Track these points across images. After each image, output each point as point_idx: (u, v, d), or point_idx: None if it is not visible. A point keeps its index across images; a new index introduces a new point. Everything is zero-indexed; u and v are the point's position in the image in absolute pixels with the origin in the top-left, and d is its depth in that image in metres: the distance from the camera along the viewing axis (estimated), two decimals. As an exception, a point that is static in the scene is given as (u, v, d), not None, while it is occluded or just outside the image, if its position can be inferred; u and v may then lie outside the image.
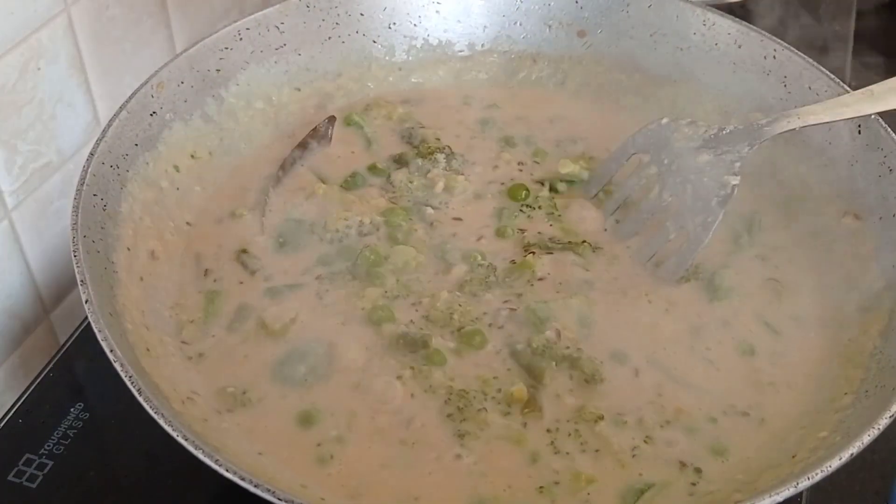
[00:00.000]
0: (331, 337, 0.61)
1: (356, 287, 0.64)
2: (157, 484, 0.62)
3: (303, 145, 0.74)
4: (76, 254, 0.56)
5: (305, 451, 0.56)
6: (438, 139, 0.75)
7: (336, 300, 0.64)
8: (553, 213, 0.70)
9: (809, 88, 0.70)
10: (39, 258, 0.76)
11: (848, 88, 0.68)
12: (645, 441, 0.57)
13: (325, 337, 0.61)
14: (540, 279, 0.65)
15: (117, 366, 0.50)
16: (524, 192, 0.71)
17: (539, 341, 0.61)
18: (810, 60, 0.71)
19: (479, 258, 0.66)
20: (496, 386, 0.59)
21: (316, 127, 0.75)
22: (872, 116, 0.65)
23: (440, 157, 0.73)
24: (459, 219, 0.70)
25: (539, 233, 0.68)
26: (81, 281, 0.54)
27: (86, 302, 0.53)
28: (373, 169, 0.73)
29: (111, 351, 0.51)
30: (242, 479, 0.46)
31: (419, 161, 0.73)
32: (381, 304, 0.63)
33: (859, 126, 0.66)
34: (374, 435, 0.57)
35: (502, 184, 0.72)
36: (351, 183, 0.72)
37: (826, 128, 0.68)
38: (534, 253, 0.66)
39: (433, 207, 0.70)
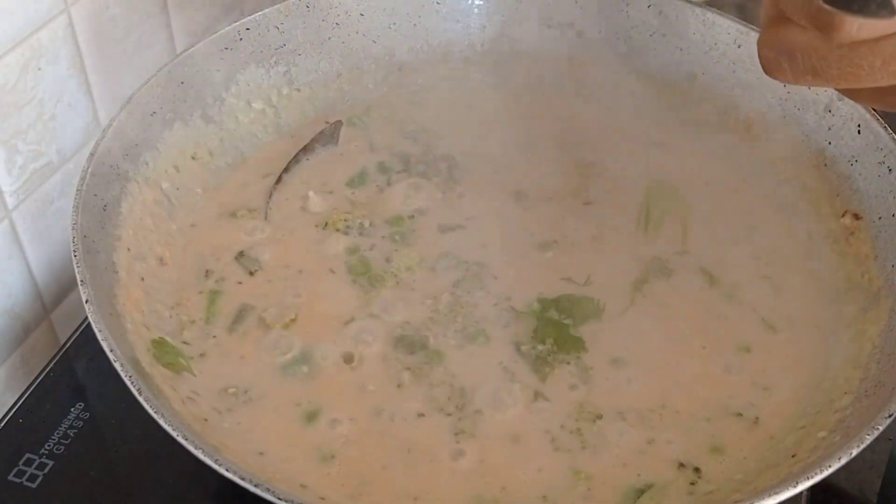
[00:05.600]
0: (332, 337, 0.62)
1: (357, 288, 0.64)
2: (157, 484, 0.62)
3: (308, 149, 0.74)
4: (76, 254, 0.56)
5: (305, 451, 0.56)
6: (443, 142, 0.75)
7: (336, 301, 0.64)
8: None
9: (809, 88, 0.70)
10: (40, 258, 0.76)
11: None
12: (644, 440, 0.57)
13: (326, 337, 0.62)
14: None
15: (117, 366, 0.50)
16: (520, 197, 0.71)
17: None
18: (810, 60, 0.71)
19: (477, 259, 0.66)
20: (499, 384, 0.59)
21: (322, 130, 0.75)
22: (871, 116, 0.66)
23: (442, 166, 0.73)
24: (457, 222, 0.70)
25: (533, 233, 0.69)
26: (82, 281, 0.54)
27: (86, 302, 0.53)
28: (375, 171, 0.73)
29: (111, 351, 0.51)
30: (242, 479, 0.46)
31: (421, 167, 0.73)
32: (381, 305, 0.63)
33: (859, 126, 0.67)
34: (375, 435, 0.57)
35: (500, 189, 0.72)
36: (352, 184, 0.72)
37: (826, 127, 0.69)
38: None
39: (433, 210, 0.70)
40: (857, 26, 0.34)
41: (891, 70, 0.35)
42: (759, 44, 0.38)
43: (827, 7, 0.33)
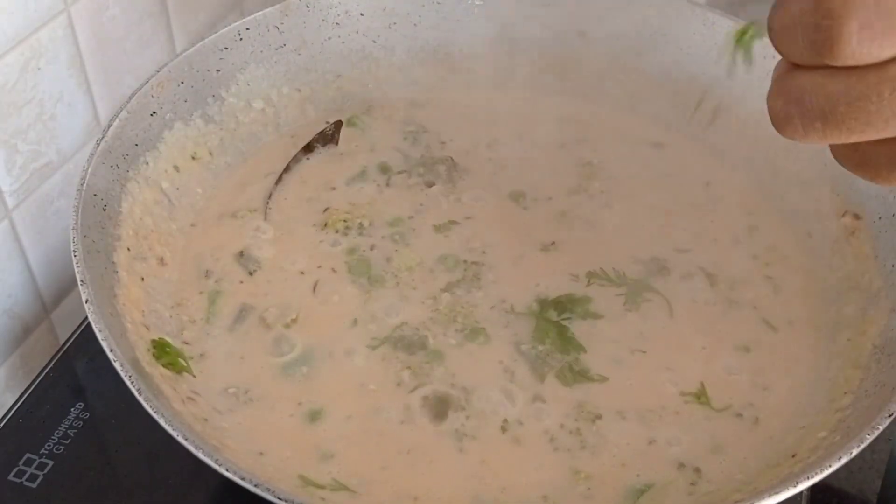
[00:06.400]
0: (332, 337, 0.62)
1: (357, 288, 0.64)
2: (158, 484, 0.62)
3: (308, 148, 0.74)
4: (76, 254, 0.56)
5: (305, 451, 0.56)
6: (443, 143, 0.75)
7: (337, 301, 0.64)
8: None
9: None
10: (40, 258, 0.76)
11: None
12: (644, 440, 0.57)
13: (327, 337, 0.62)
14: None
15: (117, 365, 0.50)
16: (520, 198, 0.71)
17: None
18: (810, 60, 0.71)
19: (476, 259, 0.66)
20: (498, 384, 0.59)
21: (323, 130, 0.75)
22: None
23: (441, 168, 0.73)
24: (457, 222, 0.70)
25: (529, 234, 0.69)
26: (82, 281, 0.54)
27: (86, 302, 0.53)
28: (375, 171, 0.73)
29: (111, 351, 0.51)
30: (242, 479, 0.46)
31: (420, 168, 0.73)
32: (381, 305, 0.63)
33: (859, 126, 0.66)
34: (375, 435, 0.57)
35: (500, 189, 0.72)
36: (352, 184, 0.72)
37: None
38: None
39: (433, 210, 0.70)
40: (856, 38, 0.33)
41: None
42: (769, 97, 0.38)
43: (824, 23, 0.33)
